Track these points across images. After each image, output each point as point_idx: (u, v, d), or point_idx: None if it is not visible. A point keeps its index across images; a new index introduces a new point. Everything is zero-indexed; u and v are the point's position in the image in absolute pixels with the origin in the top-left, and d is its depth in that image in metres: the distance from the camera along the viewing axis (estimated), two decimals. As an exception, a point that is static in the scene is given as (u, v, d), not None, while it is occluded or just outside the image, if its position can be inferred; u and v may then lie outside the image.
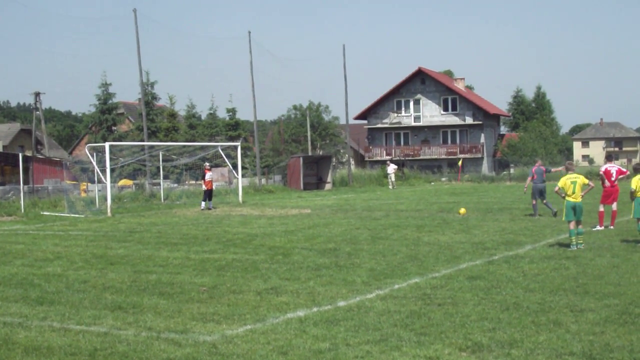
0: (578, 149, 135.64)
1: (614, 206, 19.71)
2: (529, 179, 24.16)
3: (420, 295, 10.78)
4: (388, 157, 74.32)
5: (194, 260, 15.04)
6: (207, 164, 33.92)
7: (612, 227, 19.35)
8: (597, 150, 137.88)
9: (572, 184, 15.68)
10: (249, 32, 51.58)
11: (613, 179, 19.76)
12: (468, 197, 37.19)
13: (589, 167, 69.77)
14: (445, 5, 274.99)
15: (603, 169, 20.29)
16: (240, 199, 36.83)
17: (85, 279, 12.98)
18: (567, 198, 15.70)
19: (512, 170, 66.00)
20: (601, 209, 19.65)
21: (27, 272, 14.04)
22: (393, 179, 51.99)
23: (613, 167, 20.13)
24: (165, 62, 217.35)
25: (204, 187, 31.94)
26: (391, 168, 52.55)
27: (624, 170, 20.74)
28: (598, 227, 19.26)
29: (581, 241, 15.52)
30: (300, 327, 8.94)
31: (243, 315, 9.69)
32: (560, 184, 15.89)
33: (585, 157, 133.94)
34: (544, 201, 23.52)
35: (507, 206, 29.24)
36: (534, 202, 23.66)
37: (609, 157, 21.16)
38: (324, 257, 15.13)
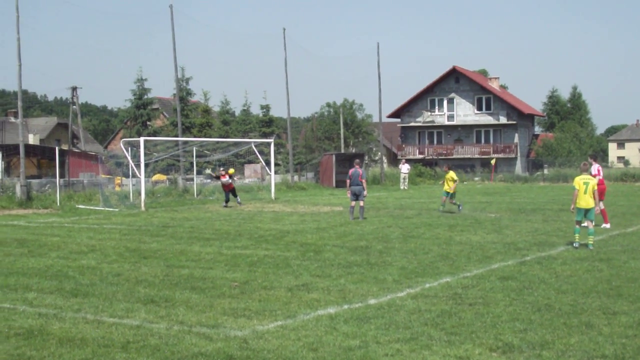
0: (613, 150, 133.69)
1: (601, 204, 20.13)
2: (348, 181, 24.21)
3: (452, 294, 10.75)
4: (421, 156, 74.14)
5: (226, 256, 15.14)
6: (222, 170, 33.31)
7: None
8: (632, 151, 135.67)
9: (584, 185, 15.98)
10: (284, 29, 51.85)
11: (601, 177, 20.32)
12: (501, 197, 36.96)
13: (624, 169, 68.73)
14: (481, 4, 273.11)
15: (597, 167, 20.66)
16: (272, 195, 36.97)
17: (119, 272, 13.14)
18: (578, 200, 16.01)
19: (545, 171, 65.41)
20: (602, 206, 20.05)
21: (62, 264, 14.24)
22: (406, 179, 50.86)
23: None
24: (201, 58, 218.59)
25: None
26: (405, 168, 51.35)
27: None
28: (604, 225, 19.86)
29: (591, 242, 15.70)
30: (331, 324, 8.96)
31: (274, 311, 9.74)
32: (574, 183, 16.23)
33: (620, 158, 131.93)
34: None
35: (540, 207, 29.01)
36: (353, 203, 24.11)
37: (594, 157, 21.33)
38: (355, 254, 15.14)
